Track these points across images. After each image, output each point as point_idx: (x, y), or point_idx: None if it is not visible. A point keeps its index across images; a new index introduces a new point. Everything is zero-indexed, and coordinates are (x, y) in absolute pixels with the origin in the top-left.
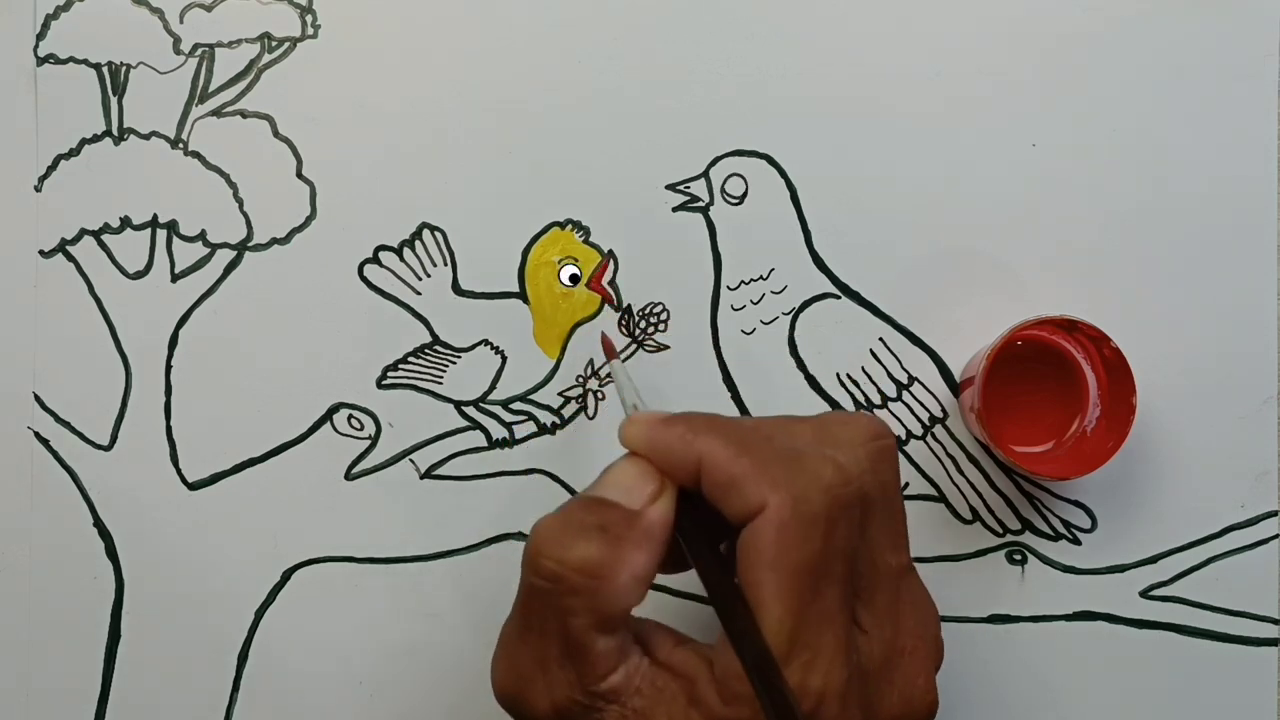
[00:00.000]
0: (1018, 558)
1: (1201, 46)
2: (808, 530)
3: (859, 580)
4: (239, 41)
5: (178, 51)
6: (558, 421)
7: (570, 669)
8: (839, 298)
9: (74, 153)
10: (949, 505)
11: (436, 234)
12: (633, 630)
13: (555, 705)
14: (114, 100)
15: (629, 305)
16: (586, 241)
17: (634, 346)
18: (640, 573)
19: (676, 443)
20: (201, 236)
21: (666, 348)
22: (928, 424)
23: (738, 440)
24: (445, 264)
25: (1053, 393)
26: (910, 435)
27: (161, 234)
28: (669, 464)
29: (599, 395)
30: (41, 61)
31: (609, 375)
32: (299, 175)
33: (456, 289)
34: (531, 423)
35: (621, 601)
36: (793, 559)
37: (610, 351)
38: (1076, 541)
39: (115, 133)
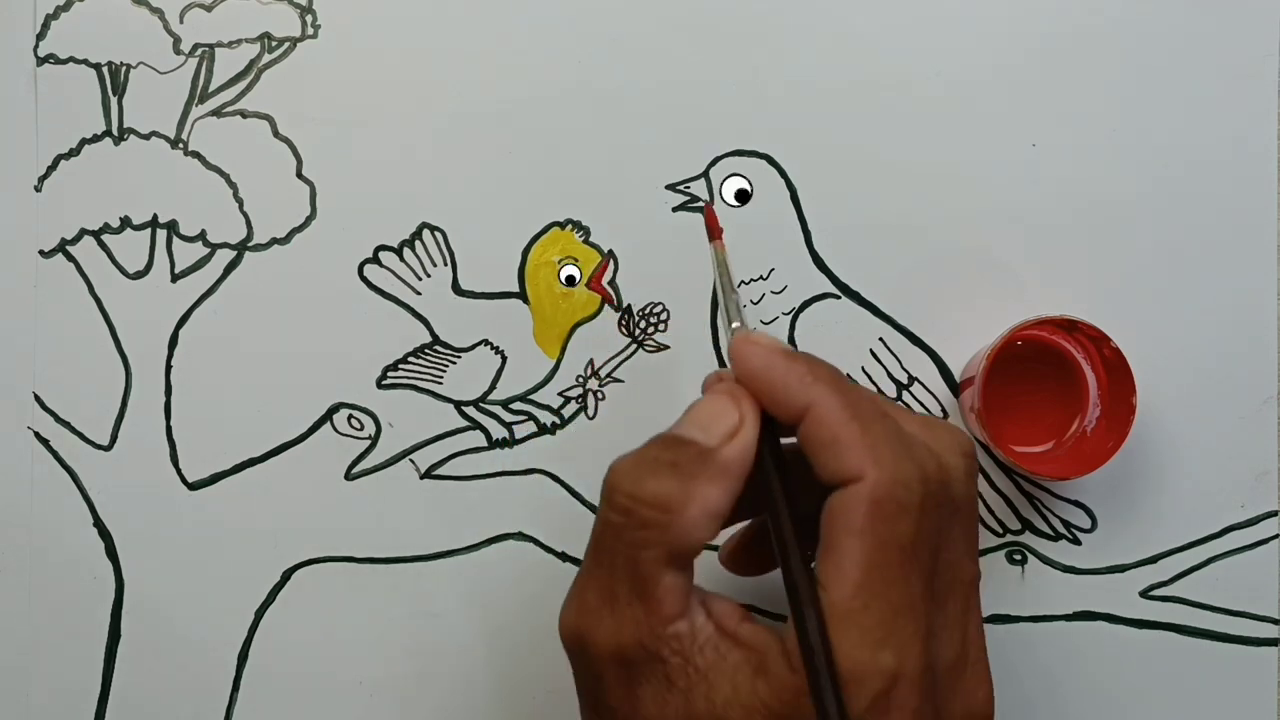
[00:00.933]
0: (1018, 558)
1: (1201, 46)
2: (900, 513)
3: (937, 583)
4: (239, 41)
5: (178, 51)
6: (558, 421)
7: (638, 606)
8: (839, 298)
9: (74, 153)
10: None
11: (436, 234)
12: (700, 598)
13: (620, 644)
14: (114, 100)
15: (629, 305)
16: (586, 241)
17: (634, 346)
18: (712, 508)
19: (795, 382)
20: (201, 236)
21: (666, 348)
22: None
23: (853, 402)
24: (445, 264)
25: (1053, 393)
26: None
27: (161, 234)
28: (775, 399)
29: (599, 395)
30: (41, 61)
31: (609, 376)
32: (299, 175)
33: (456, 289)
34: (531, 423)
35: (693, 535)
36: (881, 533)
37: (715, 230)
38: (1076, 541)
39: (115, 133)
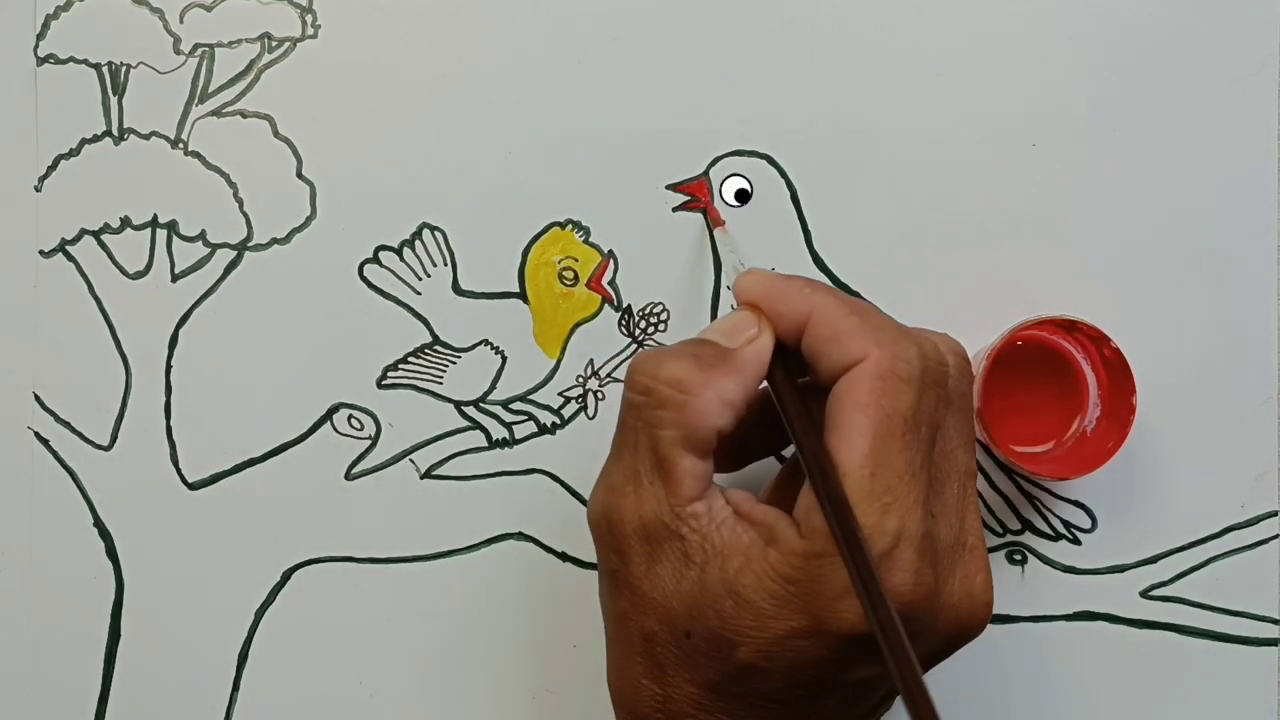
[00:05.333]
0: (1018, 558)
1: (1201, 46)
2: (902, 385)
3: (934, 467)
4: (239, 41)
5: (178, 51)
6: (558, 421)
7: (659, 485)
8: None
9: (74, 153)
10: None
11: (436, 234)
12: (720, 490)
13: (643, 519)
14: (114, 100)
15: (629, 305)
16: (586, 241)
17: (634, 346)
18: (727, 396)
19: (795, 293)
20: (201, 236)
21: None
22: None
23: (850, 303)
24: (445, 264)
25: (1053, 393)
26: None
27: (161, 234)
28: (779, 311)
29: (599, 395)
30: (41, 61)
31: (609, 376)
32: (299, 175)
33: (456, 289)
34: (531, 423)
35: (707, 419)
36: (885, 405)
37: (717, 220)
38: (1076, 541)
39: (115, 133)
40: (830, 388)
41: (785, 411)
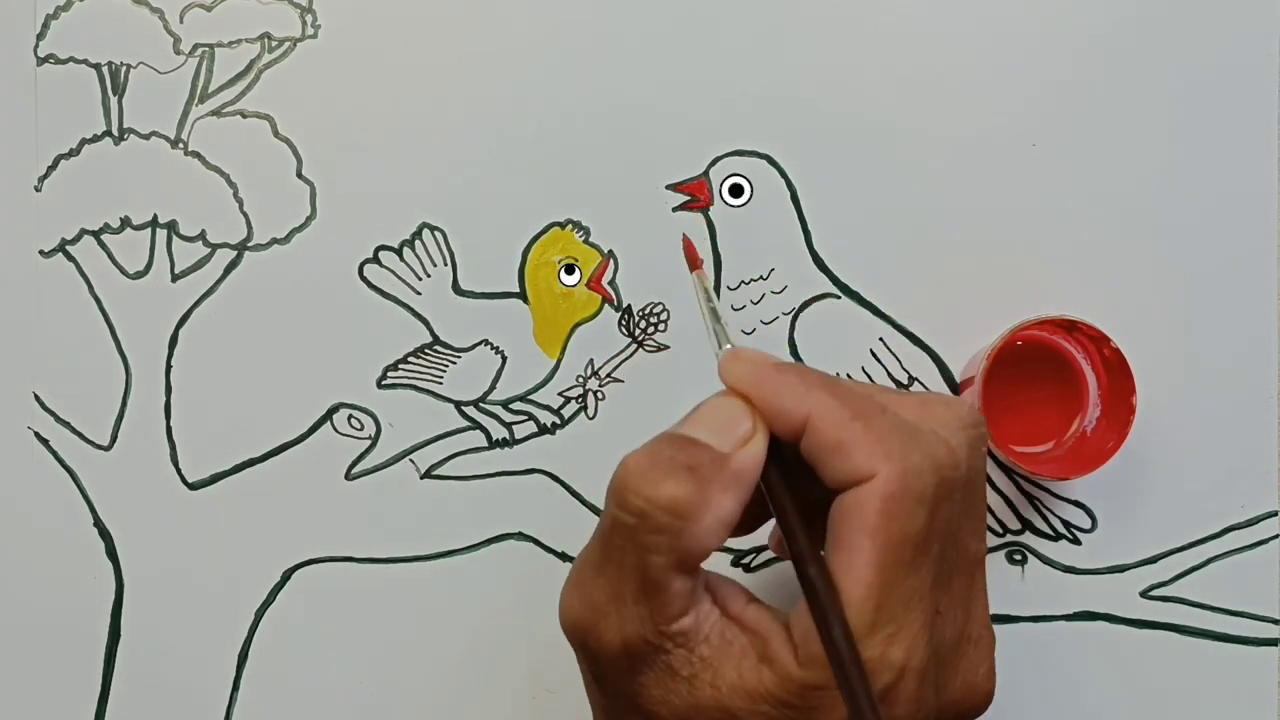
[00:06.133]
0: (1018, 558)
1: (1201, 46)
2: (915, 506)
3: (944, 564)
4: (239, 41)
5: (178, 51)
6: (558, 421)
7: (644, 605)
8: (839, 298)
9: (74, 153)
10: None
11: (436, 234)
12: (705, 581)
13: (626, 641)
14: (114, 100)
15: (629, 305)
16: (586, 241)
17: (634, 346)
18: (725, 517)
19: (788, 393)
20: (201, 236)
21: (666, 348)
22: None
23: (852, 404)
24: (445, 264)
25: (1053, 393)
26: None
27: (161, 234)
28: (772, 412)
29: (599, 395)
30: (41, 61)
31: (609, 376)
32: (299, 175)
33: (456, 289)
34: (531, 423)
35: (704, 543)
36: (895, 531)
37: (694, 261)
38: (1076, 541)
39: (115, 133)
40: (835, 490)
41: (784, 527)
